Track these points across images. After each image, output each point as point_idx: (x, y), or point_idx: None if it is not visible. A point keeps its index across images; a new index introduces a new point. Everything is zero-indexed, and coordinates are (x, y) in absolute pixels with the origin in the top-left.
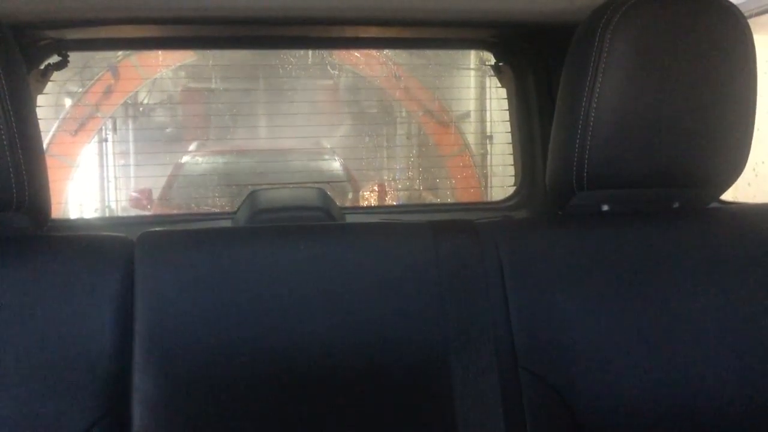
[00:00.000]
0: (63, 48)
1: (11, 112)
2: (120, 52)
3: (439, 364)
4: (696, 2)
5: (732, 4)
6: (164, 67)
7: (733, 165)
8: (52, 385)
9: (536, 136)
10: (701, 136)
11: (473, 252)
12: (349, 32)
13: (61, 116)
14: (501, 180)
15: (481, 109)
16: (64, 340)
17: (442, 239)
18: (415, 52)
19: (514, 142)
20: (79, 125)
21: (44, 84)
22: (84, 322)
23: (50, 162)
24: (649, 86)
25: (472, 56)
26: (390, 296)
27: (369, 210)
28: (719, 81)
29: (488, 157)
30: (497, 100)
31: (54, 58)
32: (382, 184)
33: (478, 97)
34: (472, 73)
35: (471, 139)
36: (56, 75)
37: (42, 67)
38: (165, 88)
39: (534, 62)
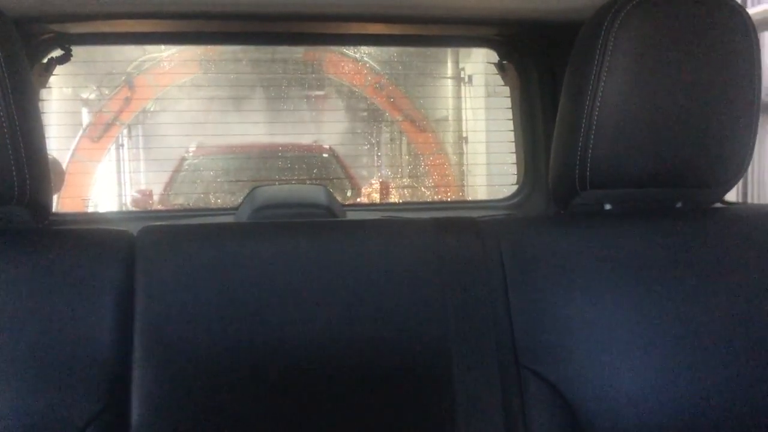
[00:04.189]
0: (66, 42)
1: (13, 106)
2: (131, 66)
3: (440, 361)
4: (700, 2)
5: (737, 4)
6: (175, 78)
7: (737, 165)
8: (52, 378)
9: (539, 134)
10: (704, 136)
11: (475, 249)
12: (354, 29)
13: (85, 125)
14: (473, 179)
15: (458, 109)
16: (64, 334)
17: (444, 236)
18: (397, 62)
19: (517, 141)
20: (100, 132)
21: (47, 78)
22: (84, 316)
23: (76, 165)
24: (653, 85)
25: (450, 66)
26: (391, 293)
27: (371, 207)
28: (723, 80)
29: (464, 156)
30: (472, 100)
31: (57, 52)
32: (384, 182)
33: (455, 96)
34: (450, 81)
35: (448, 141)
36: (74, 82)
37: (45, 61)
38: (174, 99)
39: (538, 60)
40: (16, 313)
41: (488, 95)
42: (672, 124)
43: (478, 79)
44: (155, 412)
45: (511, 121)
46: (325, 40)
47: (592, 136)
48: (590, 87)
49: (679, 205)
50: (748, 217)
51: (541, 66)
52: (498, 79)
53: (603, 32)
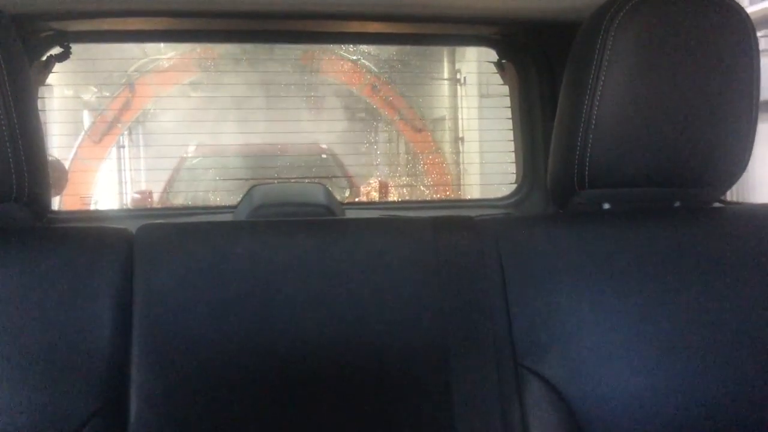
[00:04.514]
0: (65, 39)
1: (12, 104)
2: (134, 68)
3: (438, 360)
4: (699, 2)
5: (736, 3)
6: (175, 81)
7: (735, 164)
8: (50, 376)
9: (538, 133)
10: (703, 136)
11: (473, 248)
12: (353, 27)
13: (87, 127)
14: (469, 178)
15: (454, 109)
16: (62, 332)
17: (442, 235)
18: (397, 60)
19: (515, 140)
20: (101, 134)
21: (46, 76)
22: (83, 314)
23: (78, 165)
24: (652, 85)
25: (446, 67)
26: (390, 291)
27: (369, 206)
28: (722, 80)
29: (460, 155)
30: (468, 101)
31: (56, 50)
32: (382, 181)
33: (451, 96)
34: (446, 82)
35: (445, 140)
36: (76, 86)
37: (44, 58)
38: (175, 102)
39: (537, 60)
40: (13, 310)
41: (481, 96)
42: (671, 123)
43: (472, 81)
44: (153, 410)
45: (507, 121)
46: (325, 38)
47: (591, 136)
48: (589, 86)
49: (677, 204)
50: (746, 216)
51: (540, 65)
52: (492, 80)
53: (602, 31)
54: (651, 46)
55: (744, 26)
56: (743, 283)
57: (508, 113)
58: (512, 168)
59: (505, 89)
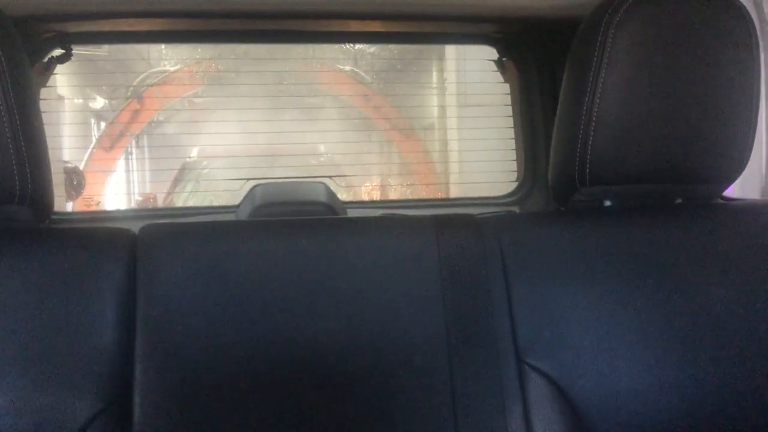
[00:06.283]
0: (66, 41)
1: (14, 106)
2: (138, 79)
3: (440, 358)
4: None
5: (736, 0)
6: (180, 92)
7: (736, 161)
8: (54, 377)
9: (539, 131)
10: (704, 132)
11: (475, 246)
12: (353, 26)
13: (98, 136)
14: (458, 177)
15: (443, 112)
16: (66, 332)
17: (444, 233)
18: (396, 58)
19: (516, 138)
20: (111, 143)
21: (47, 77)
22: (86, 314)
23: (90, 170)
24: (652, 82)
25: (434, 74)
26: (392, 290)
27: (371, 204)
28: (722, 76)
29: (448, 158)
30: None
31: (57, 51)
32: (379, 184)
33: (440, 101)
34: (435, 90)
35: (435, 145)
36: (90, 98)
37: (45, 60)
38: (179, 112)
39: (537, 57)
40: (17, 311)
41: (460, 105)
42: (671, 120)
43: (457, 87)
44: (157, 410)
45: (488, 122)
46: (325, 37)
47: (592, 133)
48: (590, 83)
49: (678, 201)
50: (747, 212)
51: (540, 63)
52: (476, 86)
53: (602, 28)
54: (651, 42)
55: (745, 22)
56: (745, 278)
57: (489, 114)
58: (499, 167)
59: (488, 94)
